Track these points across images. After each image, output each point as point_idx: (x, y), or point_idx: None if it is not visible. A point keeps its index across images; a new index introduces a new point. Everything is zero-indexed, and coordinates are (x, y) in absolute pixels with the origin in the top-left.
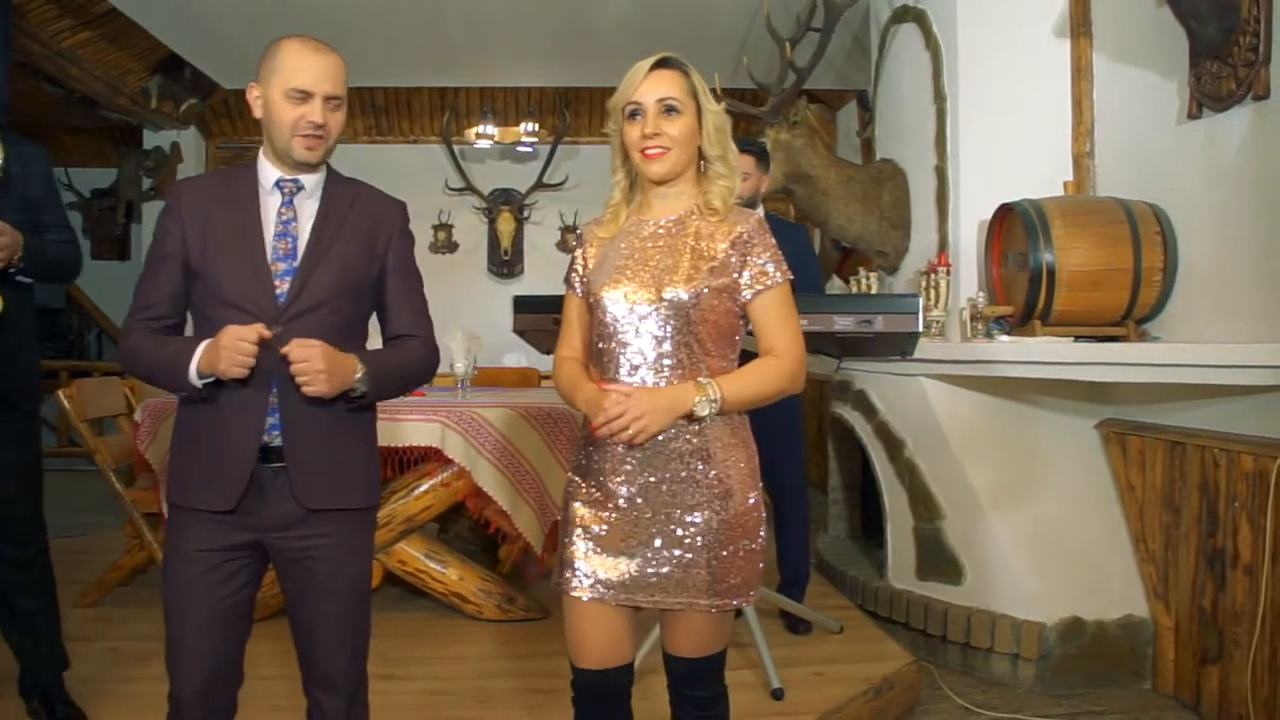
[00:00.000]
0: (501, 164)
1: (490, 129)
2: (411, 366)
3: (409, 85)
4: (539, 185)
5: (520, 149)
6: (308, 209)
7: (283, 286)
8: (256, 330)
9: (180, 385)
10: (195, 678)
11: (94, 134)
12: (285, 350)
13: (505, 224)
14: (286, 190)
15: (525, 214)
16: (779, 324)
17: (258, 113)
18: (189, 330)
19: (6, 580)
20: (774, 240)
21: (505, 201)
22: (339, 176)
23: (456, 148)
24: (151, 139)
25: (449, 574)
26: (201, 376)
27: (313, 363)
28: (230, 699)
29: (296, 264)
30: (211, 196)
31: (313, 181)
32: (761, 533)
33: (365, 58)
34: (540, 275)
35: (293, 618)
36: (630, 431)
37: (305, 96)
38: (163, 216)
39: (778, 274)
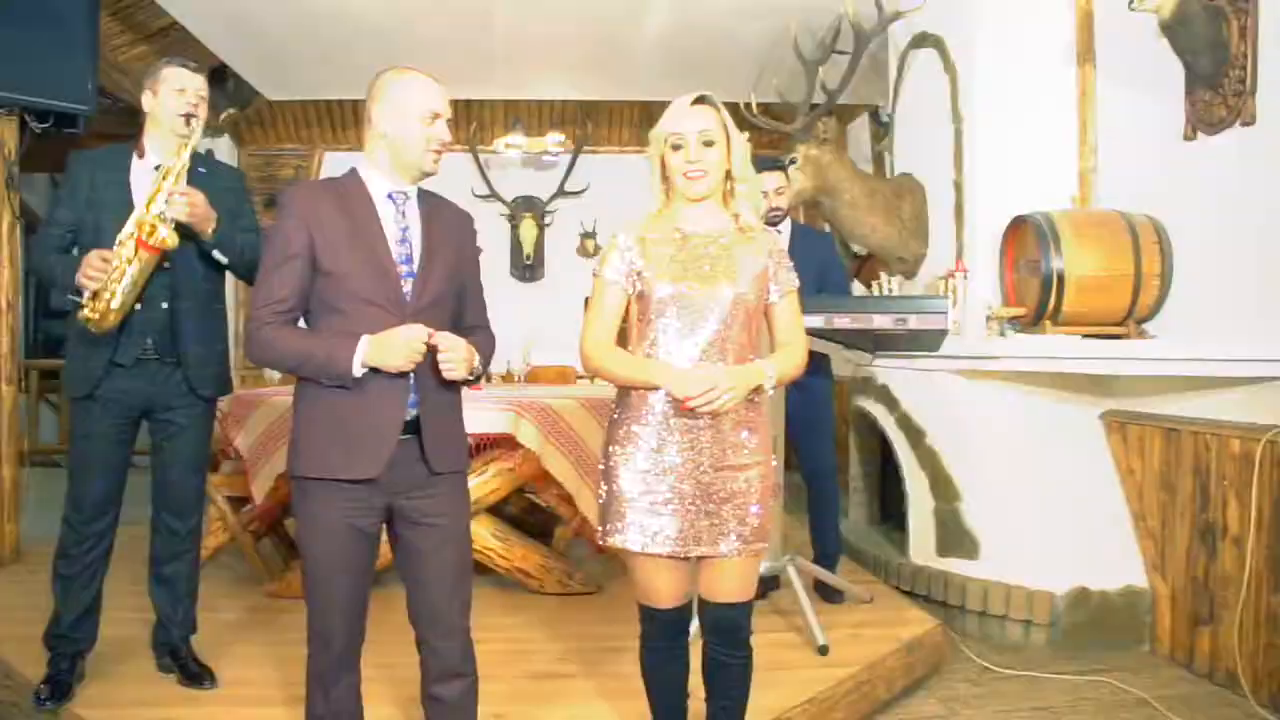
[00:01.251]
0: (524, 172)
1: (519, 138)
2: (489, 352)
3: None
4: (560, 192)
5: (547, 158)
6: (411, 217)
7: (405, 286)
8: (428, 331)
9: (334, 374)
10: (345, 623)
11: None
12: (433, 341)
13: (528, 229)
14: (399, 201)
15: (547, 220)
16: (793, 323)
17: (385, 130)
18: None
19: (164, 548)
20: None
21: (528, 208)
22: (422, 190)
23: (480, 156)
24: None
25: (513, 551)
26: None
27: (457, 351)
28: (363, 639)
29: (415, 267)
30: (329, 204)
31: (413, 193)
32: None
33: None
34: (561, 279)
35: (411, 575)
36: (720, 402)
37: (436, 118)
38: (283, 219)
39: (793, 282)
